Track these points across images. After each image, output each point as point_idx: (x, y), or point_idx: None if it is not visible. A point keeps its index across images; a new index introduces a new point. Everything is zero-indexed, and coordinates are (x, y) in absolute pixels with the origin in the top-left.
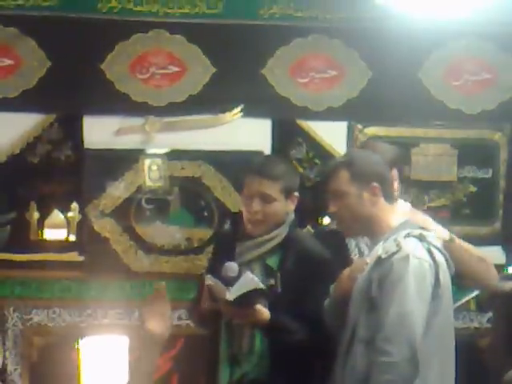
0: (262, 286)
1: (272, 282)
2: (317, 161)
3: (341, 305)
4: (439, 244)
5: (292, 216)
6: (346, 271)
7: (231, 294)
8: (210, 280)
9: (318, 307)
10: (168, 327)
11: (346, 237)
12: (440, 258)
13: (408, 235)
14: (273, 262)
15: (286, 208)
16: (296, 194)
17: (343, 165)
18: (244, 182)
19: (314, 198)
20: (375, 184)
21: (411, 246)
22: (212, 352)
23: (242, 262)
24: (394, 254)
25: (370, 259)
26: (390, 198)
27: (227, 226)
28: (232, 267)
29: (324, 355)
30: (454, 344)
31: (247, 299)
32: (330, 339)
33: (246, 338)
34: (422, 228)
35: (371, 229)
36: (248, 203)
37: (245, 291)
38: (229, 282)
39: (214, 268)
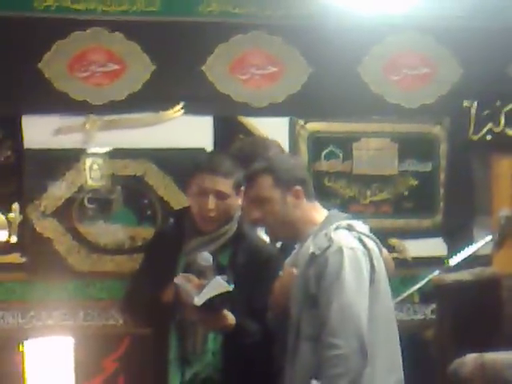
0: (230, 288)
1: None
2: None
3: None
4: (367, 231)
5: (240, 211)
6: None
7: (200, 299)
8: (180, 280)
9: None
10: None
11: (273, 241)
12: (371, 244)
13: (337, 228)
14: (224, 258)
15: (236, 203)
16: (242, 188)
17: (265, 170)
18: (193, 179)
19: None
20: (298, 187)
21: (342, 237)
22: (160, 352)
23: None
24: (327, 248)
25: (302, 257)
26: (311, 197)
27: (170, 223)
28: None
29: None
30: (397, 329)
31: (215, 304)
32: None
33: (199, 338)
34: (348, 218)
35: (298, 230)
36: (202, 201)
37: (214, 294)
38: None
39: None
